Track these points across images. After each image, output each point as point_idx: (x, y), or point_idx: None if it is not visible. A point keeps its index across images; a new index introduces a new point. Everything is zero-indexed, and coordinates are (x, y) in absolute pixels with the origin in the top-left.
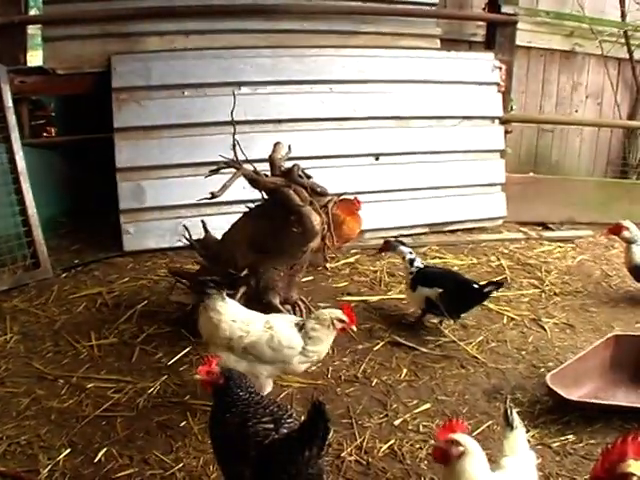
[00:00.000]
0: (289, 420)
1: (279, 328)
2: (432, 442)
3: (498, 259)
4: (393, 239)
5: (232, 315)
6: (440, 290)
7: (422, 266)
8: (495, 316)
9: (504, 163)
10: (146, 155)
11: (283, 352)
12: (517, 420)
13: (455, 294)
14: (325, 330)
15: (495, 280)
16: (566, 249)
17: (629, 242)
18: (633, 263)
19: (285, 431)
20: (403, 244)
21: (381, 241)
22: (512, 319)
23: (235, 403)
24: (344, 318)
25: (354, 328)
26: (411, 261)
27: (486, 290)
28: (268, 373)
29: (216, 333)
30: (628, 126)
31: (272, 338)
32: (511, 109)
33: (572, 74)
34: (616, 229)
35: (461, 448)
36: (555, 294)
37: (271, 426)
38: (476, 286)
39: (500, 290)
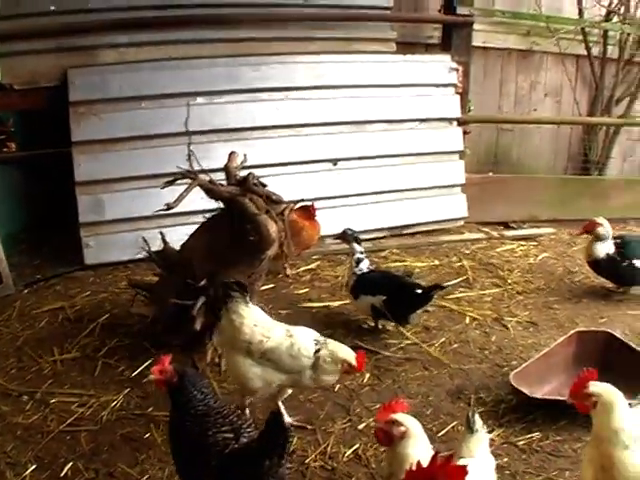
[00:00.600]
0: (249, 429)
1: (299, 337)
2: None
3: (460, 260)
4: (351, 232)
5: (254, 319)
6: (383, 297)
7: (366, 270)
8: (457, 317)
9: (463, 164)
10: (105, 168)
11: (301, 361)
12: (479, 423)
13: (398, 300)
14: (334, 366)
15: (439, 284)
16: (528, 247)
17: (597, 238)
18: (594, 257)
19: (245, 440)
20: (358, 242)
21: (342, 247)
22: (475, 319)
23: (191, 403)
24: (353, 363)
25: (358, 374)
26: (358, 261)
27: (429, 294)
28: (280, 382)
29: (237, 336)
30: (587, 122)
31: (292, 345)
32: (469, 110)
33: (530, 73)
34: (590, 226)
35: (402, 428)
36: (518, 293)
37: (231, 435)
38: (418, 291)
39: (462, 290)
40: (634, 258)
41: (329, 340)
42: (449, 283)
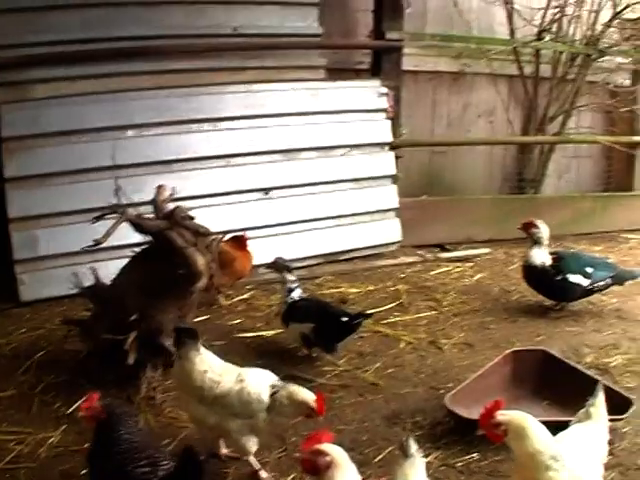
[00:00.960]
0: (165, 463)
1: (251, 381)
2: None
3: (395, 284)
4: (282, 260)
5: (205, 365)
6: (312, 325)
7: (297, 298)
8: (392, 341)
9: (396, 188)
10: (39, 203)
11: (251, 406)
12: (414, 448)
13: (325, 328)
14: (291, 409)
15: (365, 312)
16: (464, 269)
17: (534, 242)
18: (529, 263)
19: (162, 474)
20: (289, 270)
21: (276, 275)
22: (409, 343)
23: (117, 441)
24: (313, 406)
25: (321, 418)
26: (290, 290)
27: (355, 322)
28: (237, 429)
29: (189, 383)
30: (521, 142)
31: (242, 390)
32: (401, 134)
33: (462, 95)
34: (527, 225)
35: (328, 458)
36: (453, 315)
37: (148, 469)
38: (344, 319)
39: (397, 315)
40: (568, 272)
41: (289, 384)
42: (373, 311)
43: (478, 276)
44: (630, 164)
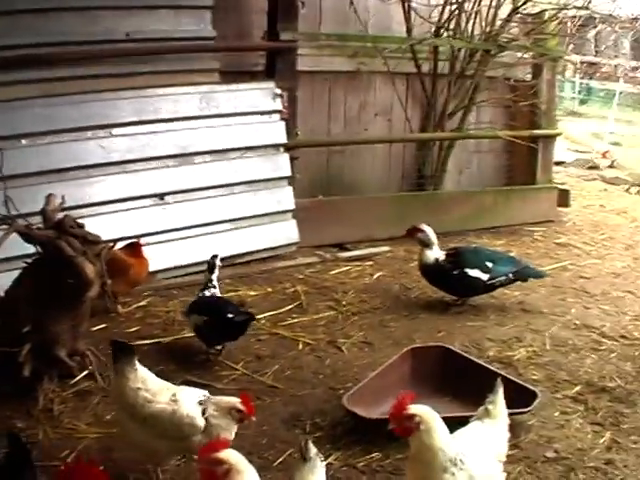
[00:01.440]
0: None
1: (185, 403)
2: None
3: (293, 285)
4: (211, 259)
5: (139, 382)
6: (205, 318)
7: (208, 295)
8: (291, 343)
9: (292, 189)
10: None
11: (184, 429)
12: (312, 451)
13: (214, 322)
14: (225, 419)
15: (247, 310)
16: (364, 267)
17: (423, 245)
18: (423, 262)
19: None
20: (210, 270)
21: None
22: (308, 344)
23: None
24: (241, 408)
25: (253, 418)
26: (204, 288)
27: (237, 319)
28: (166, 450)
29: (122, 399)
30: (419, 139)
31: (174, 412)
32: (296, 135)
33: (359, 94)
34: (413, 231)
35: (226, 466)
36: (352, 314)
37: None
38: (229, 315)
39: (295, 316)
40: (466, 267)
41: (211, 397)
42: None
43: (378, 274)
44: (531, 158)
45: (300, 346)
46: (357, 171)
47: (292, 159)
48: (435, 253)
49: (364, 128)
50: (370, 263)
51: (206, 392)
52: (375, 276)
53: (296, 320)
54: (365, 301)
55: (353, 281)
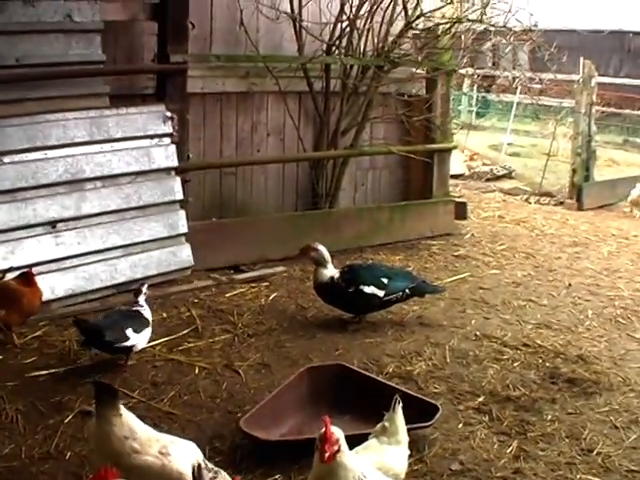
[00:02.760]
0: None
1: (176, 457)
2: None
3: (189, 309)
4: (139, 287)
5: (126, 430)
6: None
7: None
8: (187, 368)
9: (185, 213)
10: None
11: None
12: (206, 478)
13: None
14: None
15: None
16: (259, 289)
17: (317, 264)
18: (318, 281)
19: None
20: (137, 295)
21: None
22: (204, 369)
23: None
24: None
25: None
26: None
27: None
28: None
29: (105, 445)
30: (312, 157)
31: (164, 466)
32: (188, 158)
33: (251, 114)
34: (306, 250)
35: None
36: (249, 336)
37: None
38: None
39: (191, 341)
40: (361, 284)
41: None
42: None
43: (274, 295)
44: (427, 172)
45: (196, 371)
46: (250, 192)
47: (184, 182)
48: (330, 271)
49: (256, 149)
50: (266, 284)
51: (196, 449)
52: (271, 297)
53: (192, 345)
54: (261, 322)
55: (249, 303)
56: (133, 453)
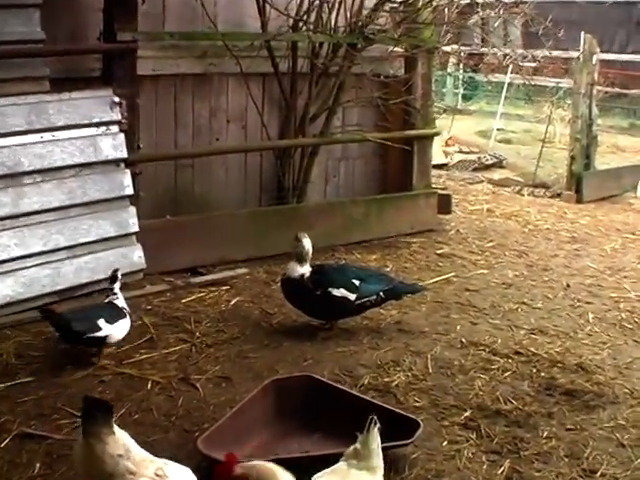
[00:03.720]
0: None
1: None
2: None
3: (140, 317)
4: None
5: (120, 449)
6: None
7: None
8: (138, 383)
9: (135, 210)
10: None
11: None
12: None
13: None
14: None
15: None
16: (220, 293)
17: (297, 257)
18: (287, 275)
19: None
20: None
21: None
22: (158, 383)
23: None
24: None
25: None
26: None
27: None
28: None
29: (97, 466)
30: (278, 146)
31: None
32: (138, 148)
33: (209, 99)
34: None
35: None
36: (208, 346)
37: None
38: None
39: (144, 352)
40: (330, 286)
41: None
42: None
43: (235, 300)
44: (406, 162)
45: (149, 385)
46: (209, 186)
47: (135, 175)
48: (304, 269)
49: (215, 137)
50: (227, 288)
51: (192, 474)
52: (232, 302)
53: (144, 356)
54: (222, 331)
55: (208, 309)
56: (128, 474)
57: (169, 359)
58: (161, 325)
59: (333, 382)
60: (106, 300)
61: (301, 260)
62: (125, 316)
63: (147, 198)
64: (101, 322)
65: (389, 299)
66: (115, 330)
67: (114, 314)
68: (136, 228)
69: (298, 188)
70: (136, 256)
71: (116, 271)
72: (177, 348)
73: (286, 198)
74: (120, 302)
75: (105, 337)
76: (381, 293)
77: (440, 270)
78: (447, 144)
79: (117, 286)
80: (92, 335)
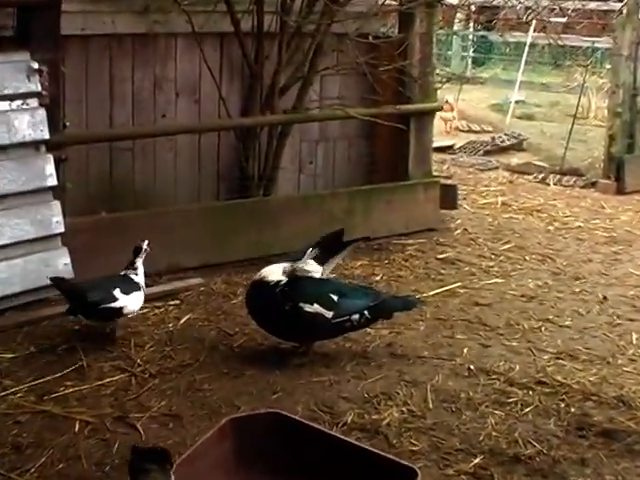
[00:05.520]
0: None
1: None
2: None
3: (67, 340)
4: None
5: None
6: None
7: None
8: (63, 423)
9: (61, 205)
10: None
11: None
12: None
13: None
14: None
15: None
16: (167, 309)
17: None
18: (260, 277)
19: None
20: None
21: None
22: (88, 423)
23: None
24: None
25: None
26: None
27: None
28: None
29: None
30: (240, 125)
31: None
32: (64, 127)
33: (152, 66)
34: None
35: None
36: (151, 376)
37: None
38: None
39: (70, 385)
40: (302, 300)
41: None
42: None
43: (187, 318)
44: (400, 144)
45: (77, 427)
46: (153, 175)
47: (59, 162)
48: (285, 271)
49: (161, 114)
50: (176, 303)
51: None
52: (183, 320)
53: (71, 390)
54: (169, 356)
55: (152, 329)
56: None
57: (102, 393)
58: (93, 350)
59: (308, 420)
60: (122, 273)
61: (295, 259)
62: (140, 290)
63: (75, 190)
64: (117, 292)
65: (376, 318)
66: (130, 302)
67: (130, 287)
68: (61, 228)
69: (265, 177)
70: (61, 263)
71: (142, 241)
72: (113, 379)
73: (250, 190)
74: (138, 278)
75: (121, 308)
76: (366, 312)
77: (443, 280)
78: (447, 109)
79: (140, 261)
80: (107, 306)
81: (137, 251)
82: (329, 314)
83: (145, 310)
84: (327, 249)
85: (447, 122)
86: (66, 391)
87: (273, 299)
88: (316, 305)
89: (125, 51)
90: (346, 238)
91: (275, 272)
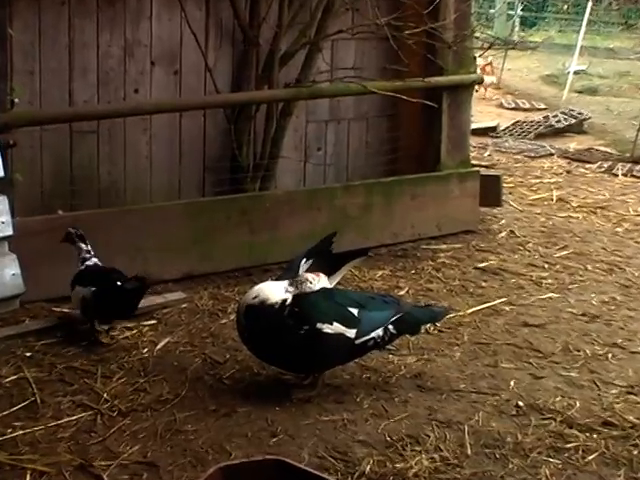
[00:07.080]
0: None
1: None
2: None
3: (17, 371)
4: (74, 230)
5: None
6: (93, 289)
7: (91, 264)
8: (10, 474)
9: (8, 202)
10: None
11: None
12: None
13: (103, 292)
14: None
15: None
16: (141, 331)
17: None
18: (253, 301)
19: None
20: (83, 241)
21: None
22: (42, 474)
23: None
24: None
25: None
26: (83, 260)
27: (129, 287)
28: None
29: None
30: (230, 103)
31: None
32: (12, 105)
33: (122, 27)
34: None
35: None
36: (121, 414)
37: None
38: (119, 283)
39: (21, 424)
40: (319, 320)
41: None
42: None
43: (165, 342)
44: (431, 125)
45: (28, 478)
46: (123, 164)
47: (7, 147)
48: (286, 291)
49: (133, 88)
50: (152, 323)
51: None
52: (160, 345)
53: (22, 432)
54: (143, 390)
55: (122, 356)
56: None
57: (60, 435)
58: (49, 381)
59: (315, 470)
60: (90, 262)
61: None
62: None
63: (26, 183)
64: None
65: (401, 333)
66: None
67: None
68: (10, 231)
69: (262, 167)
70: (9, 274)
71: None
72: (73, 418)
73: (243, 183)
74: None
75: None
76: (390, 326)
77: (483, 294)
78: (484, 70)
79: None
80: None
81: (77, 237)
82: (351, 333)
83: (114, 332)
84: (323, 259)
85: (486, 88)
86: (15, 433)
87: (282, 324)
88: (336, 324)
89: (88, 9)
90: (364, 242)
91: (275, 290)
